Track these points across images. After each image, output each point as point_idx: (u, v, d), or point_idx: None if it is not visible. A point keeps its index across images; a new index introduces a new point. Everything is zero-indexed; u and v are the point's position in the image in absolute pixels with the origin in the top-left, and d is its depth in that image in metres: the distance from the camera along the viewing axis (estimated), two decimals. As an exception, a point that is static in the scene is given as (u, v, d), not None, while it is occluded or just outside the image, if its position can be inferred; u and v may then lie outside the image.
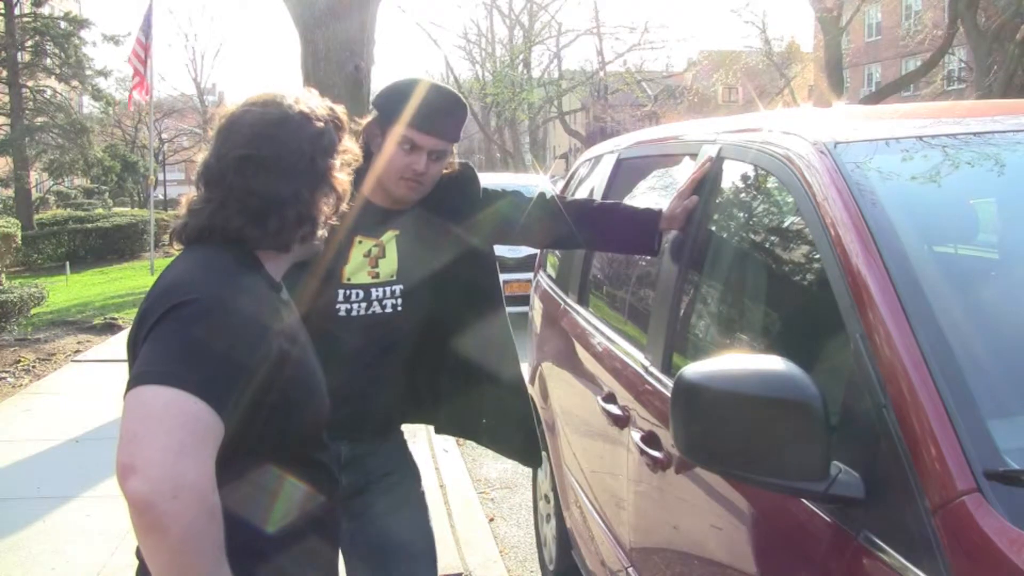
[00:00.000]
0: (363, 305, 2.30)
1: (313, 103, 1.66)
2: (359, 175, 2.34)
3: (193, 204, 1.61)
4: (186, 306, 1.40)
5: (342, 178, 1.67)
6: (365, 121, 2.32)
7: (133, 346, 1.48)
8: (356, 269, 2.31)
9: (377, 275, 2.32)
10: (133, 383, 1.34)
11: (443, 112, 2.28)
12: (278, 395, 1.48)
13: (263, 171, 1.55)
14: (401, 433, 2.56)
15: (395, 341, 2.35)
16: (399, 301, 2.33)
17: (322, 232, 1.67)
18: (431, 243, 2.38)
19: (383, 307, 2.32)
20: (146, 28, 16.32)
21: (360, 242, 2.32)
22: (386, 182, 2.29)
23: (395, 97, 2.29)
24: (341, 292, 2.29)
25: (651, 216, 2.48)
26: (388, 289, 2.32)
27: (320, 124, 1.63)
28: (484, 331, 2.51)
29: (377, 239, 2.33)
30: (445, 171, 2.38)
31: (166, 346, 1.38)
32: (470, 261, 2.44)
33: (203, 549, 1.29)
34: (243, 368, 1.40)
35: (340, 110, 1.73)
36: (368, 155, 2.26)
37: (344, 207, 1.71)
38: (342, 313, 2.29)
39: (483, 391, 2.52)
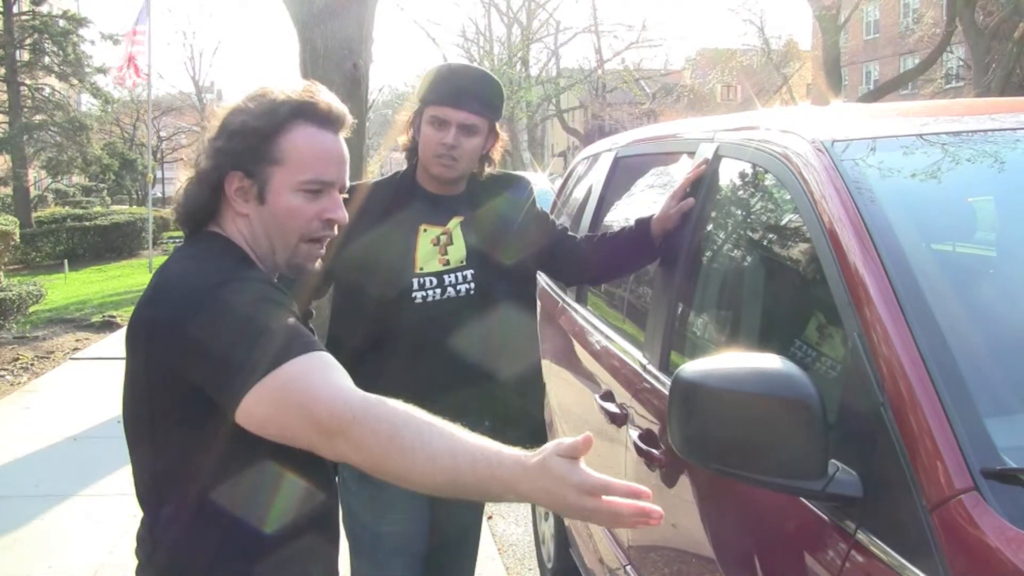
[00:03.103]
0: (437, 291, 2.38)
1: (268, 91, 1.58)
2: (412, 167, 2.45)
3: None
4: (220, 287, 1.42)
5: (275, 184, 1.55)
6: (405, 116, 2.45)
7: (131, 340, 1.49)
8: (427, 258, 2.39)
9: (447, 262, 2.40)
10: (241, 391, 1.35)
11: (467, 86, 2.36)
12: None
13: (206, 158, 1.56)
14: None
15: (470, 323, 2.40)
16: (471, 285, 2.41)
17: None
18: (492, 229, 2.46)
19: (457, 291, 2.40)
20: (141, 18, 16.45)
21: (425, 230, 2.40)
22: (425, 163, 2.39)
23: (424, 83, 2.40)
24: (416, 281, 2.37)
25: (644, 227, 2.52)
26: (460, 274, 2.41)
27: (257, 112, 1.55)
28: (526, 316, 2.62)
29: (443, 226, 2.41)
30: (491, 167, 2.49)
31: (232, 341, 1.38)
32: (522, 250, 2.50)
33: (391, 433, 1.35)
34: (294, 318, 1.45)
35: (314, 97, 1.58)
36: (416, 146, 2.41)
37: (279, 212, 1.61)
38: (418, 301, 2.36)
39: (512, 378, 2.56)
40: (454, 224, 2.42)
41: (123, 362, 1.54)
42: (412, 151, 2.44)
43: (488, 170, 2.48)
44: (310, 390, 1.34)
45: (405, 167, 2.51)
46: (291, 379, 1.35)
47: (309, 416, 1.33)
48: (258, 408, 1.34)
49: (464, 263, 2.41)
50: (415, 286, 2.36)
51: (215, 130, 1.56)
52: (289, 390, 1.34)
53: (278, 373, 1.34)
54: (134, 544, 1.59)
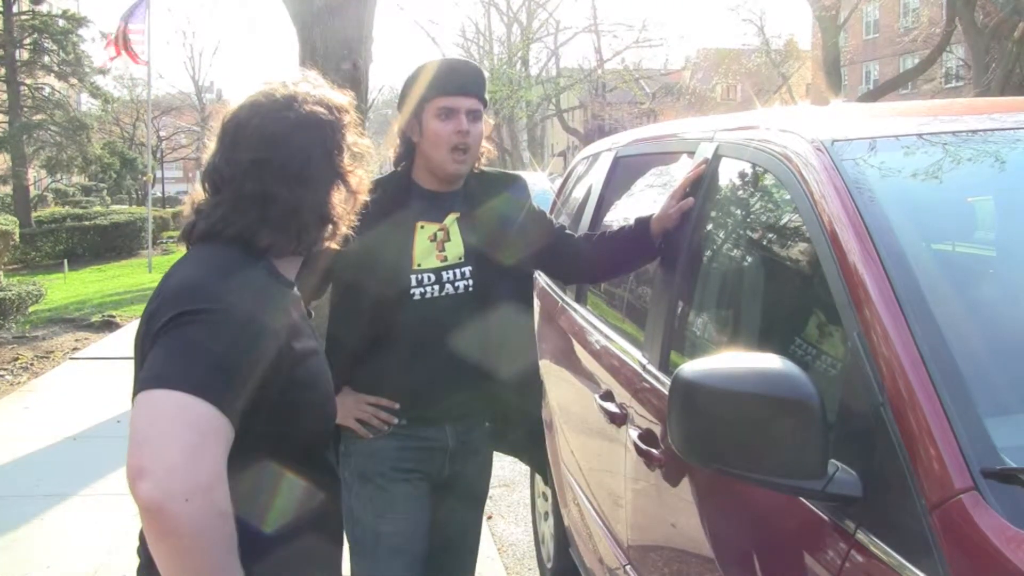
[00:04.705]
0: (435, 288, 2.38)
1: (321, 97, 1.63)
2: (407, 166, 2.45)
3: (201, 206, 1.58)
4: (194, 314, 1.38)
5: (360, 174, 1.65)
6: (397, 125, 2.45)
7: (140, 348, 1.46)
8: (425, 254, 2.38)
9: (445, 258, 2.40)
10: (142, 386, 1.33)
11: (461, 72, 2.39)
12: (282, 396, 1.47)
13: (279, 176, 1.53)
14: (487, 424, 2.61)
15: (469, 321, 2.40)
16: (470, 282, 2.41)
17: (345, 231, 1.65)
18: (490, 227, 2.45)
19: (456, 288, 2.39)
20: (138, 11, 16.47)
21: (422, 227, 2.40)
22: (438, 161, 2.37)
23: (415, 83, 2.39)
24: (414, 277, 2.36)
25: (643, 226, 2.52)
26: (458, 271, 2.40)
27: (331, 120, 1.60)
28: (524, 315, 2.61)
29: (440, 223, 2.41)
30: (485, 163, 2.50)
31: (174, 350, 1.36)
32: (520, 249, 2.50)
33: (216, 552, 1.28)
34: (251, 371, 1.39)
35: (346, 99, 1.68)
36: (410, 148, 2.42)
37: (364, 199, 1.69)
38: (416, 297, 2.36)
39: (510, 378, 2.55)
40: (450, 220, 2.42)
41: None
42: (402, 156, 2.45)
43: (483, 162, 2.48)
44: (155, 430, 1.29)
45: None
46: (154, 404, 1.31)
47: (131, 452, 1.28)
48: (134, 412, 1.32)
49: (462, 260, 2.41)
50: (413, 283, 2.36)
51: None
52: (140, 410, 1.31)
53: (154, 393, 1.31)
54: (136, 544, 1.58)
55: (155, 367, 1.34)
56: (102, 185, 34.89)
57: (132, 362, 1.54)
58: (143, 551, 1.54)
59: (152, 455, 1.26)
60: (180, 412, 1.29)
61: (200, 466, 1.27)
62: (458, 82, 2.35)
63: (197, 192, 1.63)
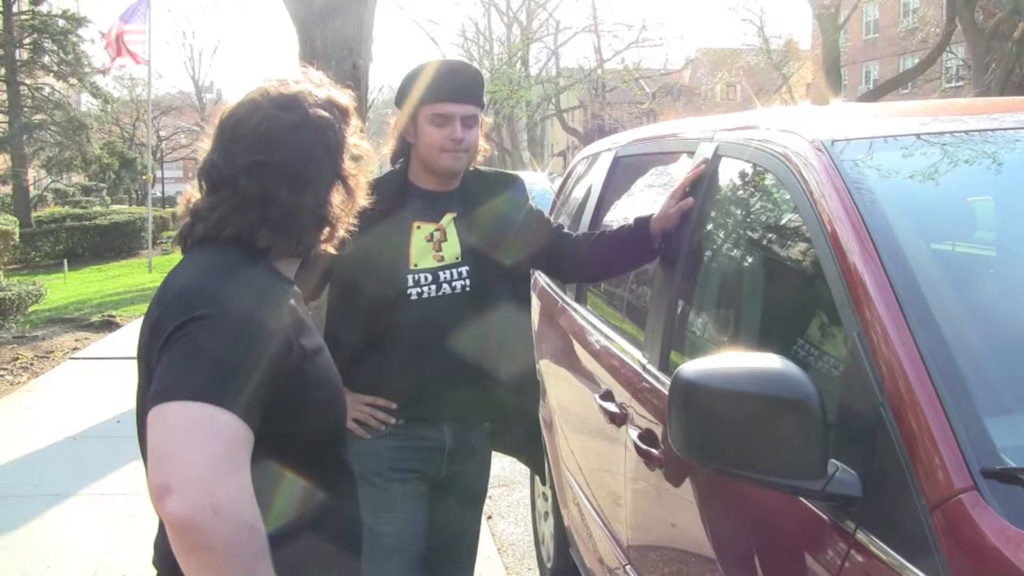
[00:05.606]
0: (432, 288, 2.38)
1: (324, 97, 1.62)
2: (403, 166, 2.46)
3: (199, 207, 1.56)
4: (200, 320, 1.36)
5: (359, 177, 1.65)
6: (393, 122, 2.46)
7: (146, 361, 1.44)
8: (421, 254, 2.39)
9: (442, 258, 2.41)
10: (153, 401, 1.30)
11: (459, 79, 2.38)
12: (289, 394, 1.45)
13: (279, 176, 1.52)
14: (485, 423, 2.61)
15: (466, 321, 2.40)
16: (467, 282, 2.41)
17: (342, 233, 1.64)
18: (488, 227, 2.45)
19: (453, 288, 2.39)
20: (138, 12, 16.49)
21: (419, 227, 2.40)
22: (431, 161, 2.39)
23: (411, 84, 2.40)
24: (410, 277, 2.37)
25: (643, 226, 2.52)
26: (455, 271, 2.40)
27: (332, 121, 1.59)
28: (522, 314, 2.60)
29: (436, 223, 2.42)
30: (482, 162, 2.51)
31: (182, 360, 1.34)
32: (518, 249, 2.50)
33: (249, 562, 1.26)
34: (260, 371, 1.37)
35: (348, 99, 1.68)
36: (406, 148, 2.43)
37: (363, 202, 1.68)
38: (413, 297, 2.37)
39: (504, 380, 2.54)
40: (447, 220, 2.42)
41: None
42: (398, 154, 2.45)
43: (479, 160, 2.49)
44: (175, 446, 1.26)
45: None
46: (176, 419, 1.28)
47: (152, 469, 1.26)
48: (150, 428, 1.30)
49: (459, 260, 2.41)
50: (410, 283, 2.36)
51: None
52: (155, 426, 1.29)
53: (170, 406, 1.29)
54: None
55: (164, 379, 1.32)
56: (102, 185, 34.85)
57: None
58: (161, 563, 1.50)
59: (174, 471, 1.23)
60: (196, 423, 1.27)
61: (225, 477, 1.25)
62: (454, 88, 2.35)
63: (190, 191, 1.62)
